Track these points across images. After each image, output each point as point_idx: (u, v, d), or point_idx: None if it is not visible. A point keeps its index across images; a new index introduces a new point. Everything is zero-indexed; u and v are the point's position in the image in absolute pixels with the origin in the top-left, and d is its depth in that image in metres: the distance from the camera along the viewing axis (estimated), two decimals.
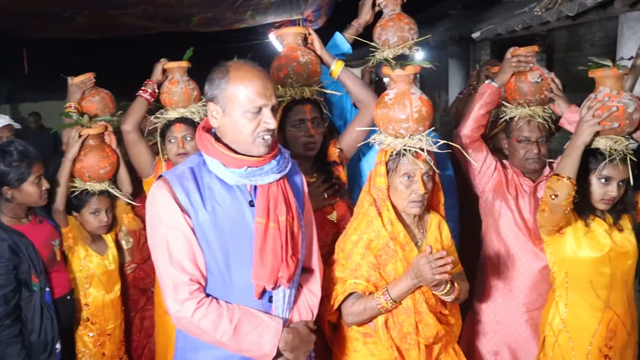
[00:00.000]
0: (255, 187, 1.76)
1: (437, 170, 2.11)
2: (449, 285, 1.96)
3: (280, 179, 1.78)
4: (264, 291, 1.77)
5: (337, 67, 2.49)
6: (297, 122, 2.40)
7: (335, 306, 2.02)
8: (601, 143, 2.15)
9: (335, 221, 2.41)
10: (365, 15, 2.95)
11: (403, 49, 2.77)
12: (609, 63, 2.13)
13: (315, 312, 1.91)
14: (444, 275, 1.85)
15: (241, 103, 1.68)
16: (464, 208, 3.00)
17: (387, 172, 2.07)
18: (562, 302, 2.27)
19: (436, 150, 2.06)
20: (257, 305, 1.78)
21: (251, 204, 1.75)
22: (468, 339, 2.60)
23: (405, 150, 2.03)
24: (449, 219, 2.40)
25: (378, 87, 2.96)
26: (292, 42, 2.49)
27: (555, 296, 2.30)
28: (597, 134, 2.14)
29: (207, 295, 1.73)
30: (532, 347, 2.44)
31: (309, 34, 2.54)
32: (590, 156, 2.17)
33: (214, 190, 1.73)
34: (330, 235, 2.38)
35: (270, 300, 1.79)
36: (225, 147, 1.72)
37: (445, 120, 3.61)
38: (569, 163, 2.13)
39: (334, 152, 2.52)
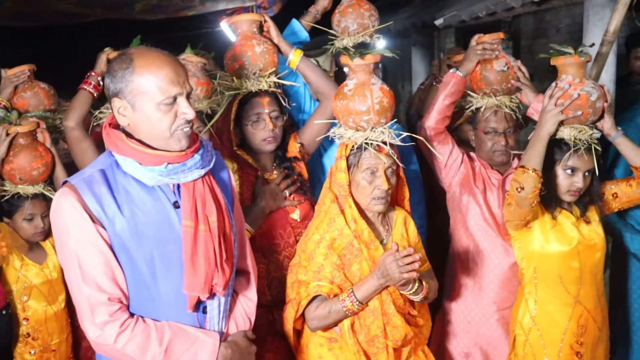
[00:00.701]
0: (179, 186, 1.68)
1: (401, 165, 2.13)
2: (417, 284, 1.98)
3: (205, 174, 1.71)
4: (197, 302, 1.70)
5: (295, 56, 2.49)
6: (254, 116, 2.38)
7: (300, 311, 2.02)
8: (565, 133, 2.23)
9: (299, 220, 2.42)
10: (323, 2, 2.96)
11: (363, 37, 2.80)
12: (571, 50, 2.20)
13: (253, 319, 1.88)
14: (412, 274, 1.87)
15: (153, 95, 1.59)
16: (431, 203, 3.06)
17: (349, 167, 2.08)
18: (531, 299, 2.34)
19: (400, 143, 2.08)
20: (191, 319, 1.71)
21: (176, 205, 1.68)
22: (438, 341, 2.64)
23: (366, 144, 2.05)
24: (416, 215, 2.43)
25: (338, 77, 2.97)
26: (247, 31, 2.46)
27: (524, 293, 2.36)
28: (561, 123, 2.21)
29: (131, 315, 1.64)
30: (504, 348, 2.50)
31: (265, 21, 2.52)
32: (555, 147, 2.24)
33: (131, 194, 1.64)
34: (292, 234, 2.39)
35: (204, 311, 1.73)
36: (139, 143, 1.63)
37: (408, 112, 3.65)
38: (534, 154, 2.19)
39: (294, 147, 2.52)
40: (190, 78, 2.69)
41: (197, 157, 1.68)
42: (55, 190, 2.76)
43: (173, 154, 1.64)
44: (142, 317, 1.66)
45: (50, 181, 2.81)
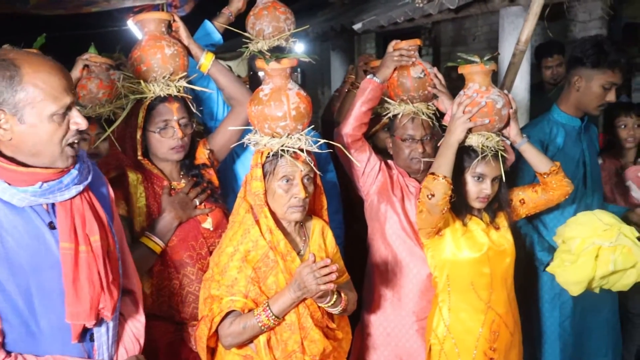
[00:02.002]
0: (53, 204, 1.59)
1: (318, 172, 2.18)
2: (335, 296, 2.02)
3: (83, 190, 1.64)
4: (83, 330, 1.64)
5: (207, 60, 2.48)
6: (162, 123, 2.35)
7: (213, 328, 2.01)
8: (473, 140, 2.37)
9: (211, 229, 2.41)
10: (237, 3, 2.98)
11: (279, 41, 2.82)
12: (477, 59, 2.34)
13: (142, 341, 1.84)
14: (330, 285, 1.90)
15: (45, 105, 1.50)
16: (349, 213, 3.13)
17: (264, 175, 2.10)
18: (445, 307, 2.45)
19: (317, 150, 2.13)
20: (77, 350, 1.64)
21: (51, 226, 1.59)
22: (358, 354, 2.69)
23: (283, 151, 2.07)
24: (334, 224, 2.48)
25: (253, 81, 2.99)
26: (155, 30, 2.42)
27: (438, 302, 2.48)
28: (469, 131, 2.35)
29: (8, 354, 1.55)
30: (424, 359, 2.56)
31: (174, 20, 2.49)
32: (464, 154, 2.38)
33: None
34: (205, 245, 2.38)
35: (91, 339, 1.68)
36: (8, 161, 1.52)
37: (324, 119, 3.72)
38: (444, 161, 2.32)
39: (203, 154, 2.52)
40: (93, 80, 2.64)
41: (74, 172, 1.60)
42: None
43: (49, 171, 1.56)
44: (20, 353, 1.57)
45: None
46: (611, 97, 2.79)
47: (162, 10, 6.45)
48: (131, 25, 7.02)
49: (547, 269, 2.64)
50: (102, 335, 1.69)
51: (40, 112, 1.51)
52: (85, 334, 1.66)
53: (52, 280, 1.58)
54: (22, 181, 1.53)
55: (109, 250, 1.67)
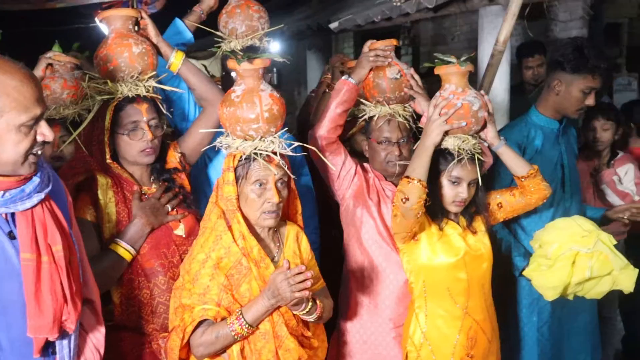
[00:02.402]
0: (13, 213, 1.58)
1: (292, 176, 2.18)
2: (310, 304, 2.03)
3: (44, 198, 1.62)
4: (45, 344, 1.62)
5: (177, 59, 2.46)
6: (131, 124, 2.33)
7: (185, 339, 2.00)
8: (449, 143, 2.39)
9: (184, 236, 2.40)
10: (209, 1, 2.97)
11: (252, 40, 2.82)
12: (454, 60, 2.36)
13: (102, 350, 1.84)
14: (304, 293, 1.91)
15: (14, 115, 1.47)
16: (327, 218, 3.13)
17: (237, 179, 2.10)
18: (421, 313, 2.47)
19: (291, 153, 2.13)
20: None
21: (11, 235, 1.58)
22: None
23: (255, 154, 2.08)
24: (309, 229, 2.49)
25: (225, 82, 2.98)
26: (122, 28, 2.40)
27: (414, 308, 2.49)
28: (446, 133, 2.37)
29: None
30: None
31: (142, 18, 2.47)
32: (440, 157, 2.40)
33: None
34: (177, 253, 2.37)
35: (53, 351, 1.66)
36: None
37: (300, 120, 3.73)
38: (419, 164, 2.34)
39: (174, 157, 2.50)
40: (57, 80, 2.60)
41: (36, 179, 1.59)
42: None
43: (10, 179, 1.55)
44: None
45: None
46: (590, 101, 2.84)
47: (132, 6, 6.39)
48: (100, 22, 6.99)
49: (524, 272, 2.68)
50: (64, 348, 1.67)
51: (8, 122, 1.49)
52: (47, 348, 1.64)
53: (12, 293, 1.56)
54: None
55: (71, 260, 1.65)
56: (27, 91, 1.50)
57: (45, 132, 1.55)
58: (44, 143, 1.56)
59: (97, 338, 1.82)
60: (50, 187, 1.64)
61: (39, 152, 1.57)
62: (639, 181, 3.84)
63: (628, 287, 2.51)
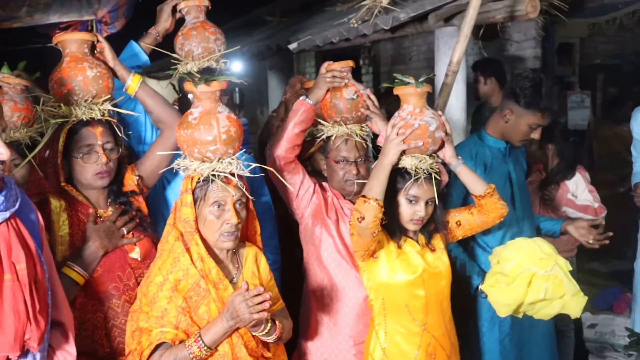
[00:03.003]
0: None
1: (250, 197, 2.19)
2: (269, 325, 2.04)
3: (9, 217, 1.65)
4: None
5: (134, 82, 2.46)
6: (85, 148, 2.32)
7: None
8: (407, 162, 2.43)
9: (139, 259, 2.38)
10: (165, 23, 2.95)
11: (209, 62, 2.82)
12: (412, 80, 2.41)
13: None
14: (263, 314, 1.91)
15: None
16: (289, 238, 3.14)
17: (195, 201, 2.10)
18: (381, 330, 2.49)
19: (249, 174, 2.15)
20: None
21: None
22: None
23: (213, 175, 2.09)
24: (268, 250, 2.50)
25: (182, 104, 2.98)
26: (77, 51, 2.39)
27: (374, 325, 2.52)
28: (403, 152, 2.41)
29: None
30: None
31: (98, 41, 2.46)
32: (398, 176, 2.45)
33: None
34: (133, 276, 2.35)
35: None
36: None
37: (261, 140, 3.75)
38: (376, 184, 2.37)
39: (131, 180, 2.49)
40: (7, 102, 2.57)
41: (0, 198, 1.62)
42: None
43: None
44: None
45: None
46: (536, 135, 2.94)
47: (92, 27, 6.37)
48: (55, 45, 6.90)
49: (482, 286, 2.72)
50: None
51: None
52: None
53: None
54: None
55: (36, 280, 1.66)
56: None
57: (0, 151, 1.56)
58: (2, 162, 1.58)
59: None
60: (16, 207, 1.66)
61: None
62: (591, 188, 3.97)
63: (576, 312, 2.57)
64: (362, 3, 3.86)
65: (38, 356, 1.70)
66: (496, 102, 4.70)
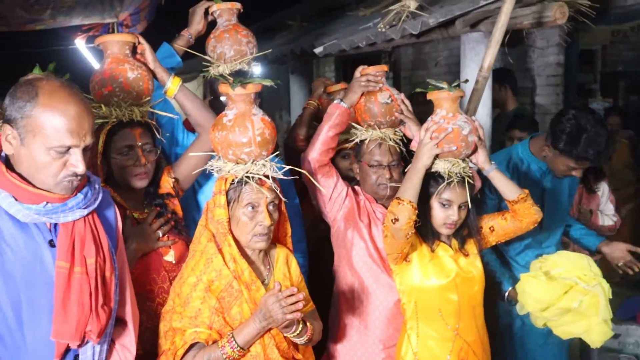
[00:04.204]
0: (57, 224, 1.70)
1: (283, 199, 2.21)
2: (301, 326, 2.05)
3: (88, 214, 1.74)
4: (67, 350, 1.71)
5: (174, 84, 2.48)
6: (124, 148, 2.35)
7: None
8: (440, 166, 2.45)
9: (174, 262, 2.41)
10: (197, 25, 2.98)
11: (241, 64, 2.85)
12: (445, 85, 2.43)
13: None
14: (295, 315, 1.93)
15: (45, 138, 1.61)
16: (314, 240, 3.16)
17: (228, 202, 2.12)
18: (413, 334, 2.51)
19: (282, 177, 2.17)
20: None
21: (51, 244, 1.69)
22: None
23: (247, 177, 2.11)
24: (298, 253, 2.52)
25: (213, 106, 3.00)
26: (119, 53, 2.42)
27: (406, 329, 2.53)
28: (436, 157, 2.43)
29: None
30: None
31: (139, 42, 2.49)
32: (431, 180, 2.46)
33: (1, 229, 1.64)
34: (167, 279, 2.37)
35: (76, 359, 1.74)
36: (18, 177, 1.65)
37: (286, 143, 3.77)
38: (409, 186, 2.39)
39: (167, 183, 2.51)
40: None
41: (79, 196, 1.70)
42: None
43: (54, 195, 1.66)
44: None
45: None
46: (577, 174, 2.89)
47: (113, 29, 6.44)
48: (80, 44, 6.97)
49: (522, 275, 2.70)
50: (87, 358, 1.75)
51: (39, 142, 1.61)
52: (70, 354, 1.72)
53: (42, 297, 1.66)
54: (27, 199, 1.64)
55: (104, 276, 1.74)
56: (62, 121, 1.61)
57: (74, 163, 1.65)
58: (76, 175, 1.66)
59: (127, 357, 1.88)
60: (95, 206, 1.76)
61: (73, 182, 1.66)
62: (612, 197, 3.96)
63: (597, 342, 2.58)
64: (390, 8, 3.87)
65: (97, 348, 1.76)
66: (510, 108, 4.90)
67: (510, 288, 2.81)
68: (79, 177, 1.68)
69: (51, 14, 5.67)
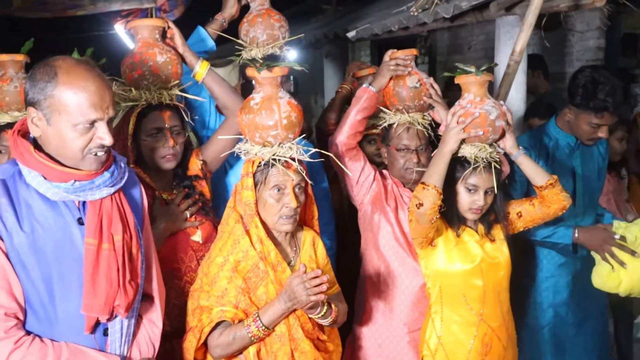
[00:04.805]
0: (85, 202, 1.75)
1: (309, 182, 2.23)
2: (325, 308, 2.07)
3: (114, 192, 1.79)
4: (97, 324, 1.77)
5: (202, 68, 2.52)
6: (153, 131, 2.40)
7: (202, 339, 2.05)
8: (466, 151, 2.43)
9: (201, 242, 2.45)
10: (231, 9, 3.00)
11: (273, 49, 2.85)
12: (473, 69, 2.41)
13: (157, 345, 1.94)
14: (320, 296, 1.95)
15: (70, 115, 1.65)
16: (341, 223, 3.17)
17: (255, 184, 2.15)
18: (437, 318, 2.51)
19: (309, 159, 2.18)
20: (89, 342, 1.77)
21: (80, 221, 1.75)
22: None
23: (274, 160, 2.13)
24: (325, 235, 2.53)
25: (246, 90, 3.02)
26: (149, 37, 2.47)
27: (431, 313, 2.53)
28: (463, 141, 2.41)
29: (28, 333, 1.69)
30: None
31: (169, 27, 2.53)
32: (457, 165, 2.44)
33: (32, 207, 1.69)
34: (194, 258, 2.42)
35: (105, 333, 1.80)
36: (47, 157, 1.69)
37: (319, 127, 3.78)
38: (435, 171, 2.38)
39: (195, 165, 2.56)
40: None
41: (106, 174, 1.76)
42: None
43: (82, 172, 1.71)
44: (38, 335, 1.70)
45: None
46: (602, 134, 2.85)
47: (151, 14, 6.51)
48: (119, 29, 7.08)
49: (615, 221, 2.73)
50: (116, 332, 1.81)
51: (65, 120, 1.66)
52: (100, 328, 1.78)
53: (72, 272, 1.72)
54: (56, 178, 1.69)
55: (131, 252, 1.80)
56: (84, 96, 1.66)
57: (101, 135, 1.70)
58: (103, 147, 1.71)
59: (154, 332, 1.94)
60: (121, 184, 1.81)
61: (100, 154, 1.72)
62: None
63: None
64: None
65: (125, 322, 1.82)
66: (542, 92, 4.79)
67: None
68: (106, 150, 1.73)
69: (91, 0, 5.76)
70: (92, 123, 1.69)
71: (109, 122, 1.73)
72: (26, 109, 1.71)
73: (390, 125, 2.74)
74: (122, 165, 1.85)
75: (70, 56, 1.76)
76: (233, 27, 3.04)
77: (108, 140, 1.70)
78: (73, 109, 1.65)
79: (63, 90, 1.65)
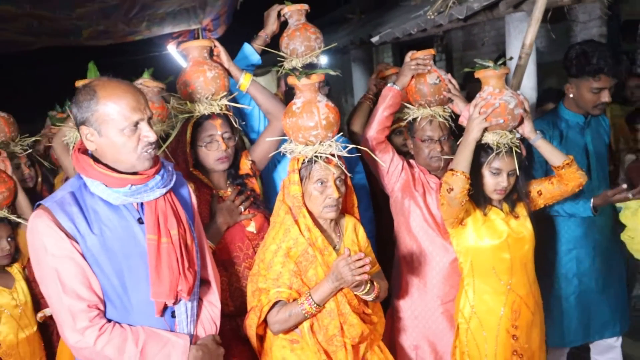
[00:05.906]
0: (142, 204, 1.79)
1: (348, 174, 2.22)
2: (368, 285, 2.07)
3: (166, 193, 1.83)
4: (165, 308, 1.81)
5: (245, 80, 2.55)
6: (207, 138, 2.43)
7: (262, 317, 2.07)
8: (489, 138, 2.40)
9: (255, 232, 2.47)
10: (272, 26, 3.02)
11: (311, 58, 2.89)
12: (491, 64, 2.37)
13: (218, 323, 1.98)
14: (364, 276, 1.95)
15: (116, 121, 1.70)
16: (379, 209, 3.16)
17: (301, 179, 2.15)
18: (470, 289, 2.48)
19: (346, 154, 2.18)
20: (160, 323, 1.82)
21: (140, 221, 1.79)
22: (389, 336, 2.72)
23: (316, 157, 2.13)
24: (364, 221, 2.51)
25: (288, 96, 3.03)
26: (198, 56, 2.50)
27: (464, 285, 2.51)
28: (485, 129, 2.38)
29: (108, 320, 1.75)
30: (449, 339, 2.60)
31: (215, 46, 2.56)
32: (482, 151, 2.41)
33: (99, 213, 1.74)
34: (250, 246, 2.44)
35: (173, 315, 1.84)
36: (105, 167, 1.74)
37: (348, 125, 3.77)
38: (462, 158, 2.35)
39: (245, 165, 2.57)
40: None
41: (157, 177, 1.80)
42: (16, 215, 2.77)
43: (136, 177, 1.76)
44: (118, 322, 1.76)
45: (12, 207, 2.81)
46: (605, 98, 2.77)
47: (198, 34, 6.58)
48: (171, 50, 7.16)
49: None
50: (181, 313, 1.85)
51: (113, 127, 1.71)
52: (168, 311, 1.83)
53: (139, 265, 1.78)
54: (115, 184, 1.74)
55: (186, 243, 1.83)
56: (123, 102, 1.71)
57: (146, 133, 1.74)
58: (151, 143, 1.75)
59: (214, 312, 1.98)
60: (171, 185, 1.85)
61: (149, 151, 1.76)
62: None
63: None
64: None
65: (189, 305, 1.86)
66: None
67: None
68: (153, 146, 1.76)
69: (147, 26, 5.86)
70: (136, 125, 1.73)
71: (150, 121, 1.77)
72: (78, 131, 1.76)
73: (414, 119, 2.71)
74: (170, 168, 1.89)
75: (103, 76, 1.81)
76: (274, 40, 3.06)
77: (152, 136, 1.75)
78: (116, 116, 1.70)
79: (104, 103, 1.70)
